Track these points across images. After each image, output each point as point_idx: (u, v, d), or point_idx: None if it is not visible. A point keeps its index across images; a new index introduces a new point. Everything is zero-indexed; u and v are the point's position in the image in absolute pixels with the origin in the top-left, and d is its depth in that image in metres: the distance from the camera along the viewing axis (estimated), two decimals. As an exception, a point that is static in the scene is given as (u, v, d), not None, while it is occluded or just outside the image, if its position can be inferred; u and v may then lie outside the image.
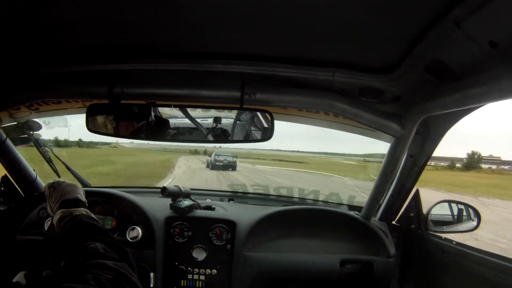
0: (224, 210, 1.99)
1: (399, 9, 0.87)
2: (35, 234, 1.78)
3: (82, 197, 1.34)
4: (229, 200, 2.26)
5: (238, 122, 1.57)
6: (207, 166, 17.10)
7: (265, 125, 1.50)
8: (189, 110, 1.52)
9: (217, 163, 16.35)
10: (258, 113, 1.51)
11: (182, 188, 1.89)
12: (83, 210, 1.25)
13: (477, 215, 1.86)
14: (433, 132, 1.50)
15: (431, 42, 0.95)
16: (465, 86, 0.99)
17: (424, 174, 1.71)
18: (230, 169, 16.21)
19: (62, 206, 1.25)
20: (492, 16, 0.77)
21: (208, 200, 2.13)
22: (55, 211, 1.26)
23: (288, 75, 1.29)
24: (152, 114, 1.55)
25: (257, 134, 1.54)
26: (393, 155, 1.52)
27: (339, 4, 0.87)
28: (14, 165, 1.91)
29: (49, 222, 1.75)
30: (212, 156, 17.30)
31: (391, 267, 1.84)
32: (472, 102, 1.02)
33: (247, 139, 1.61)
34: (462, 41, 0.88)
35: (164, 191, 1.81)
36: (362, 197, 2.03)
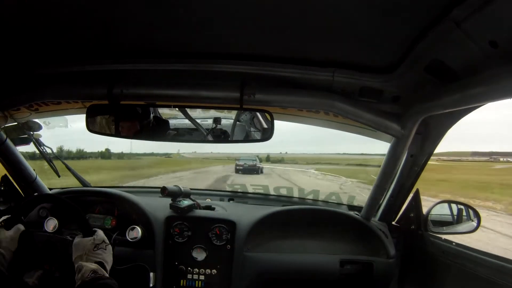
0: (224, 210, 1.99)
1: (399, 9, 0.87)
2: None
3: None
4: (229, 200, 2.26)
5: (238, 122, 1.57)
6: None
7: (265, 125, 1.49)
8: (189, 110, 1.52)
9: (237, 167, 16.76)
10: (258, 114, 1.51)
11: (182, 188, 1.89)
12: (112, 279, 1.31)
13: (477, 215, 1.85)
14: (433, 132, 1.50)
15: (431, 42, 0.95)
16: (465, 86, 0.99)
17: None
18: (254, 172, 16.26)
19: (99, 264, 1.31)
20: (492, 16, 0.77)
21: (208, 200, 2.14)
22: (87, 258, 1.30)
23: (287, 75, 1.29)
24: (152, 114, 1.55)
25: (257, 135, 1.54)
26: (393, 155, 1.52)
27: (339, 4, 0.86)
28: (14, 165, 1.91)
29: (49, 222, 1.75)
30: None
31: (391, 268, 1.84)
32: (472, 102, 1.02)
33: (247, 139, 1.61)
34: (462, 41, 0.87)
35: (164, 191, 1.81)
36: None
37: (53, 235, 1.56)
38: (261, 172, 16.74)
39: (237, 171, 16.73)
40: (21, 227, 1.39)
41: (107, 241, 1.39)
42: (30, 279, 1.36)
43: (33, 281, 1.36)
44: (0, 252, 1.29)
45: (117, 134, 1.49)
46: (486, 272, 1.45)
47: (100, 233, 1.39)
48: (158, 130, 1.57)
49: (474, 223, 1.86)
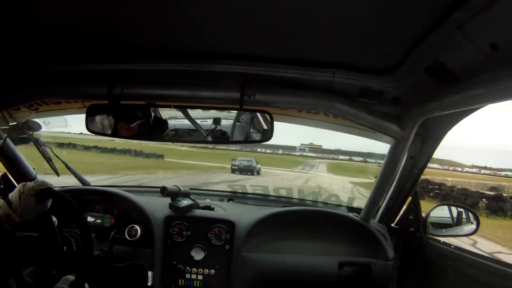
0: (223, 210, 1.99)
1: (400, 11, 0.87)
2: (34, 230, 1.78)
3: None
4: (228, 200, 2.26)
5: (237, 123, 1.57)
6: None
7: (265, 126, 1.49)
8: (189, 110, 1.52)
9: (233, 167, 16.78)
10: (258, 114, 1.50)
11: (181, 188, 1.89)
12: None
13: (476, 218, 1.85)
14: (433, 134, 1.50)
15: (432, 44, 0.95)
16: (465, 88, 0.99)
17: None
18: (249, 173, 16.20)
19: None
20: (493, 19, 0.76)
21: (208, 200, 2.13)
22: None
23: (288, 76, 1.28)
24: (152, 114, 1.55)
25: (256, 136, 1.54)
26: (393, 156, 1.52)
27: (340, 5, 0.86)
28: (14, 164, 1.91)
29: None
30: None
31: (390, 270, 1.84)
32: (472, 104, 1.02)
33: (247, 140, 1.61)
34: (463, 44, 0.87)
35: (164, 191, 1.82)
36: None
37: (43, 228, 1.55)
38: (257, 173, 16.63)
39: (233, 171, 16.80)
40: (48, 204, 1.37)
41: None
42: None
43: (26, 279, 1.36)
44: (10, 215, 1.26)
45: (117, 134, 1.49)
46: (484, 275, 1.45)
47: None
48: (158, 130, 1.57)
49: (474, 226, 1.87)
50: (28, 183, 1.33)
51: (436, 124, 1.43)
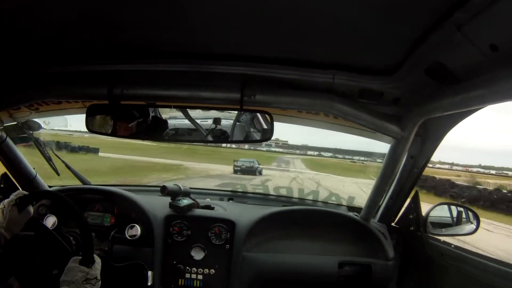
0: (223, 209, 1.99)
1: (400, 12, 0.87)
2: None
3: None
4: (228, 200, 2.26)
5: (237, 123, 1.57)
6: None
7: (265, 126, 1.50)
8: (189, 110, 1.52)
9: (235, 168, 16.86)
10: (258, 114, 1.51)
11: (181, 187, 1.89)
12: None
13: (476, 218, 1.86)
14: (432, 134, 1.50)
15: (432, 44, 0.95)
16: (466, 89, 0.99)
17: None
18: (252, 173, 16.25)
19: None
20: (493, 19, 0.76)
21: (208, 199, 2.13)
22: (72, 287, 1.27)
23: (288, 77, 1.28)
24: (152, 114, 1.55)
25: (257, 135, 1.55)
26: (393, 156, 1.52)
27: (340, 6, 0.86)
28: (14, 164, 1.91)
29: (49, 219, 1.75)
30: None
31: (390, 270, 1.84)
32: (472, 104, 1.02)
33: (247, 139, 1.61)
34: (463, 44, 0.87)
35: (164, 190, 1.82)
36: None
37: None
38: (260, 173, 16.67)
39: (235, 171, 16.87)
40: (31, 210, 1.37)
41: (99, 278, 1.34)
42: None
43: (27, 279, 1.36)
44: (0, 233, 1.27)
45: (117, 134, 1.49)
46: (484, 275, 1.46)
47: (96, 267, 1.33)
48: (158, 130, 1.58)
49: (474, 225, 1.87)
50: (6, 199, 1.35)
51: (436, 124, 1.44)
